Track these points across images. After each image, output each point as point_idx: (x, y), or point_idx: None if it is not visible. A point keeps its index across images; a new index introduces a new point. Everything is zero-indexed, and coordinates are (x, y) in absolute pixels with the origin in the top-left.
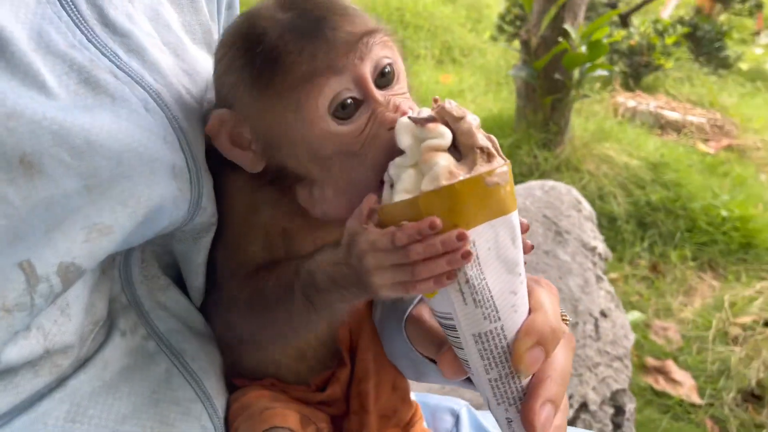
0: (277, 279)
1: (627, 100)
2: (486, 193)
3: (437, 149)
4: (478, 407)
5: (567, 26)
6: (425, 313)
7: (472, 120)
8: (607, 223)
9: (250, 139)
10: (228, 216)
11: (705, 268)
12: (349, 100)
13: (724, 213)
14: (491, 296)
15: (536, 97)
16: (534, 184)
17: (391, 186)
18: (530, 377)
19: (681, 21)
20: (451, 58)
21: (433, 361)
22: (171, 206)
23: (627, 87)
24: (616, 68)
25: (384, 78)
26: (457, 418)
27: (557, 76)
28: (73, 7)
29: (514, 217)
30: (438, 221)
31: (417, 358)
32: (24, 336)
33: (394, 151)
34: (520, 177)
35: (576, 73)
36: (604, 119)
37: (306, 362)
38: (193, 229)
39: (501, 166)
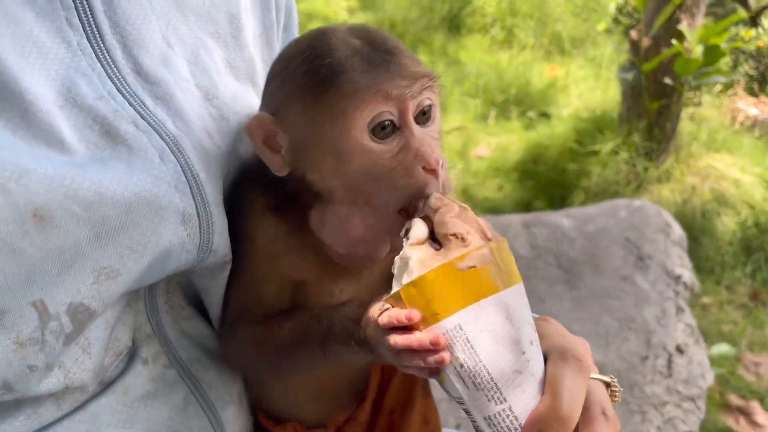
0: (294, 323)
1: (748, 107)
2: (461, 277)
3: (415, 244)
4: None
5: (683, 27)
6: None
7: (448, 210)
8: (707, 243)
9: (282, 145)
10: (248, 258)
11: None
12: (387, 122)
13: None
14: (491, 378)
15: (642, 101)
16: (620, 203)
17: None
18: None
19: None
20: (560, 49)
21: None
22: (179, 250)
23: (751, 92)
24: (741, 70)
25: (423, 116)
26: None
27: (667, 80)
28: (107, 57)
29: (509, 295)
30: (414, 316)
31: None
32: (46, 374)
33: (422, 188)
34: (615, 186)
35: (689, 79)
36: (717, 128)
37: (325, 401)
38: (207, 268)
39: (476, 249)
